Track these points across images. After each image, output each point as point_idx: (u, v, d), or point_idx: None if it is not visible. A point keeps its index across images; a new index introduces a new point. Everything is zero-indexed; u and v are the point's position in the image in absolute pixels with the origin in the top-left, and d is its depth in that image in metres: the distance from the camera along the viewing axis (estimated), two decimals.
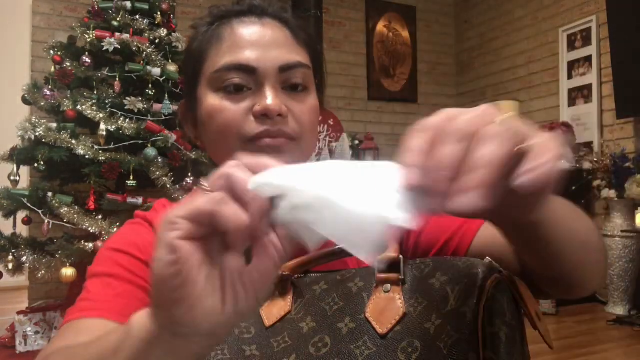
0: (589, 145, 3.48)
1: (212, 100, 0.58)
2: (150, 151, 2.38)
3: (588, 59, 3.53)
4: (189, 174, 2.62)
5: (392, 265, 0.46)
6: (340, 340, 0.45)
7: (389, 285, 0.45)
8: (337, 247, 0.55)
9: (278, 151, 0.57)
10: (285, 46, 0.59)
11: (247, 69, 0.57)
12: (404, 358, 0.41)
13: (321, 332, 0.46)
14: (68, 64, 2.56)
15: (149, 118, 2.52)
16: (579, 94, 3.59)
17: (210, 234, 0.31)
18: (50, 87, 2.54)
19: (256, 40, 0.57)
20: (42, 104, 2.50)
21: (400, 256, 0.46)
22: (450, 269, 0.43)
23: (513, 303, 0.40)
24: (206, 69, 0.60)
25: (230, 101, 0.57)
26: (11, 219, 2.41)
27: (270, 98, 0.56)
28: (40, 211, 2.32)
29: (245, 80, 0.57)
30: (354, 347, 0.44)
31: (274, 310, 0.51)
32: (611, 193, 3.02)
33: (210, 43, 0.59)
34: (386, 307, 0.44)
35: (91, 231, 2.26)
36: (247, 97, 0.57)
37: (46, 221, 2.31)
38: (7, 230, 2.44)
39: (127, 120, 2.44)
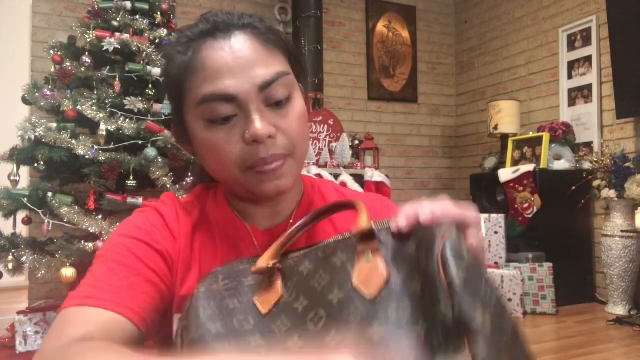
0: (589, 145, 3.48)
1: (204, 135, 0.59)
2: (150, 151, 2.38)
3: (588, 59, 3.53)
4: (189, 174, 2.62)
5: (369, 235, 0.49)
6: (333, 310, 0.47)
7: (370, 254, 0.48)
8: (307, 216, 0.59)
9: (277, 176, 0.59)
10: (259, 61, 0.58)
11: (227, 98, 0.57)
12: (394, 316, 0.43)
13: (315, 308, 0.49)
14: (68, 64, 2.56)
15: (149, 118, 2.52)
16: (579, 94, 3.59)
17: None
18: (50, 87, 2.53)
19: (230, 66, 0.57)
20: (42, 104, 2.49)
21: (373, 224, 0.49)
22: (420, 232, 0.47)
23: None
24: (188, 101, 0.60)
25: (220, 133, 0.58)
26: (11, 219, 2.41)
27: (257, 122, 0.57)
28: (40, 211, 2.32)
29: (229, 109, 0.57)
30: (346, 314, 0.46)
31: (267, 297, 0.52)
32: (611, 193, 3.02)
33: (185, 75, 0.59)
34: (371, 274, 0.47)
35: (91, 231, 2.26)
36: (236, 124, 0.58)
37: (46, 221, 2.31)
38: (7, 230, 2.44)
39: (127, 120, 2.44)
